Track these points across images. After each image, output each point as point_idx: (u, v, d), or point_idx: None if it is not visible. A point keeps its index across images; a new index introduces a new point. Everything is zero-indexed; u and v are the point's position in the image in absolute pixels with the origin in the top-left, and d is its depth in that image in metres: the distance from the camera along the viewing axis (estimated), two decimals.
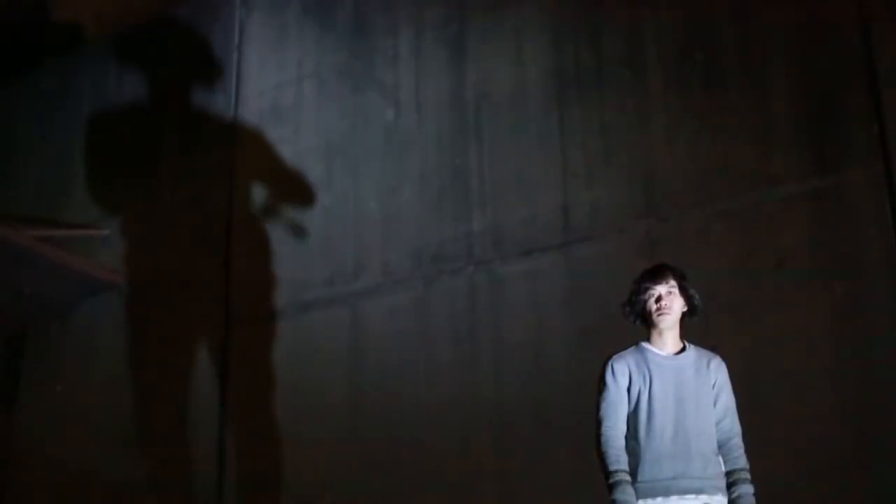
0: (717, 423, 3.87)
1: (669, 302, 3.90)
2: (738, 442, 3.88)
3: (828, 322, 5.46)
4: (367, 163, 7.25)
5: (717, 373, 3.92)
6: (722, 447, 3.87)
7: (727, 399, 3.91)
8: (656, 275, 3.94)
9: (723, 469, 3.85)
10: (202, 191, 7.91)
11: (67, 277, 7.94)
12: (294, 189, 7.49)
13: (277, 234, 7.45)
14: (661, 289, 3.91)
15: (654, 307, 3.90)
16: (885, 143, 5.52)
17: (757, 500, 3.85)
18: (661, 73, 6.32)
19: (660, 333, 3.93)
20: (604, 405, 3.87)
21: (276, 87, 7.85)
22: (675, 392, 3.82)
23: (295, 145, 7.60)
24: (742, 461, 3.86)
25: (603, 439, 3.83)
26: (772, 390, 5.37)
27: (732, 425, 3.89)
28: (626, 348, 3.97)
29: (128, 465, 7.48)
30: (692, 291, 3.97)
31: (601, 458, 3.82)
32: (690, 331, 4.02)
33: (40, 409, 8.17)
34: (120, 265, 8.10)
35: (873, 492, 5.12)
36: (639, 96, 6.35)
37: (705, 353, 3.96)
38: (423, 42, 7.26)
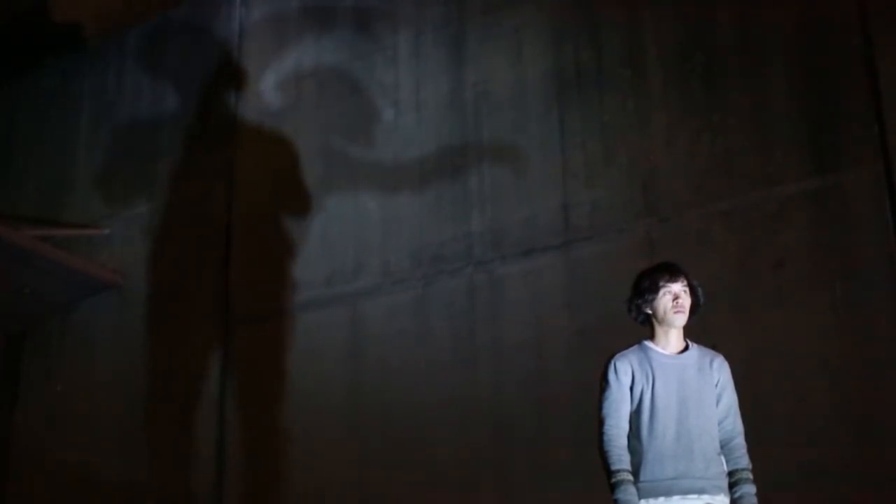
0: (720, 423, 3.86)
1: (685, 301, 3.89)
2: (740, 441, 3.87)
3: (828, 322, 5.45)
4: (366, 162, 7.25)
5: (719, 372, 3.90)
6: (724, 447, 3.85)
7: (730, 398, 3.90)
8: (673, 273, 3.92)
9: (725, 469, 3.84)
10: (202, 191, 7.91)
11: (67, 277, 7.94)
12: (293, 189, 7.49)
13: (277, 234, 7.45)
14: (677, 287, 3.89)
15: (670, 305, 3.87)
16: (885, 143, 5.52)
17: (757, 500, 3.85)
18: (661, 73, 6.32)
19: (666, 332, 3.91)
20: (606, 404, 3.86)
21: (276, 87, 7.85)
22: (677, 391, 3.81)
23: (295, 145, 7.60)
24: (744, 461, 3.85)
25: (605, 438, 3.82)
26: (772, 390, 5.37)
27: (735, 424, 3.88)
28: (627, 347, 3.95)
29: (128, 465, 7.48)
30: (699, 290, 3.96)
31: (603, 457, 3.81)
32: (690, 330, 4.02)
33: (40, 408, 8.17)
34: (120, 265, 8.10)
35: (873, 491, 5.12)
36: (639, 96, 6.35)
37: (708, 353, 3.95)
38: (423, 42, 7.26)
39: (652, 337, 3.94)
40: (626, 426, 3.84)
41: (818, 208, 5.65)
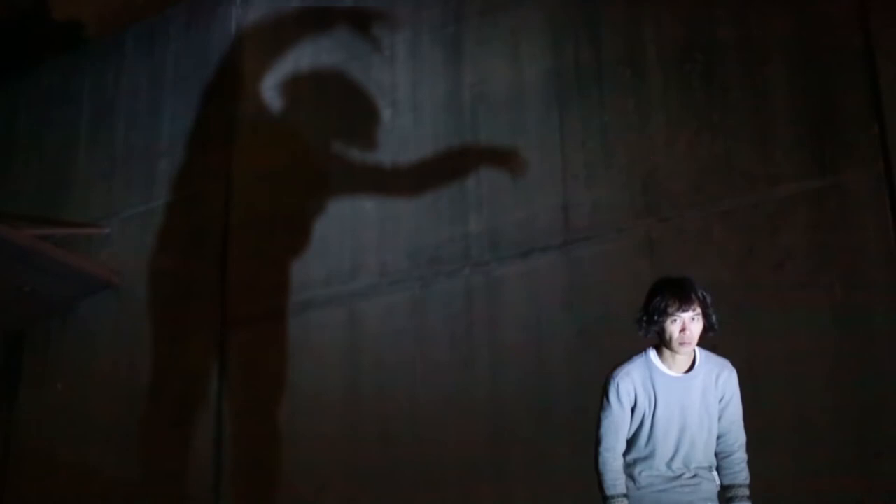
0: (722, 437, 3.82)
1: (693, 331, 3.74)
2: (741, 455, 3.82)
3: (828, 322, 5.45)
4: (364, 163, 7.24)
5: (725, 387, 3.81)
6: (724, 459, 3.82)
7: (733, 412, 3.82)
8: (684, 300, 3.73)
9: (717, 483, 3.82)
10: (200, 191, 7.91)
11: (67, 276, 7.94)
12: (291, 189, 7.49)
13: (275, 234, 7.44)
14: (686, 317, 3.73)
15: (676, 335, 3.73)
16: (885, 143, 5.51)
17: (757, 500, 3.84)
18: (661, 73, 6.31)
19: (672, 354, 3.79)
20: (605, 423, 3.81)
21: (273, 87, 7.84)
22: (679, 417, 3.76)
23: (292, 145, 7.59)
24: (743, 476, 3.81)
25: (601, 460, 3.79)
26: (772, 390, 5.36)
27: (737, 438, 3.82)
28: (631, 357, 3.86)
29: (126, 463, 7.48)
30: (713, 317, 3.80)
31: (598, 478, 3.80)
32: None
33: (40, 407, 8.17)
34: (119, 265, 8.10)
35: (873, 492, 5.11)
36: (639, 96, 6.34)
37: (716, 365, 3.84)
38: (421, 42, 7.25)
39: (659, 352, 3.82)
40: (622, 447, 3.81)
41: (818, 208, 5.64)
